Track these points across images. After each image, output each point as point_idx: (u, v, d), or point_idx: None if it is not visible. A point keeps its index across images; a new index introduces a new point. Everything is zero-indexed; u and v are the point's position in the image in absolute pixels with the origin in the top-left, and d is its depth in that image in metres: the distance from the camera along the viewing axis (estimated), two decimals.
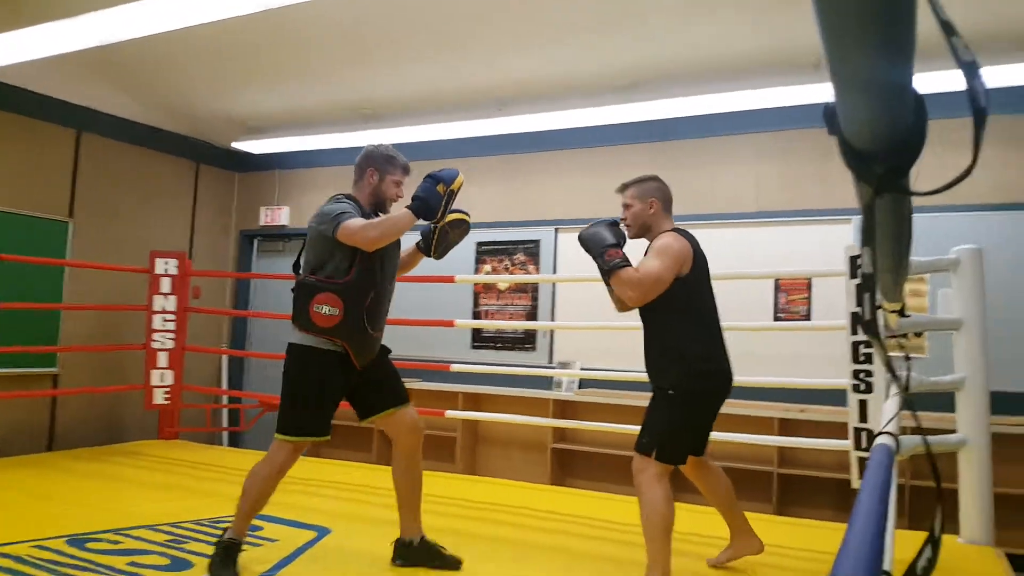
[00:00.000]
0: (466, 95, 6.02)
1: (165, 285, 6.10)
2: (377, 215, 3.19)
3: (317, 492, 4.72)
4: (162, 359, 6.06)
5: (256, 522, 3.87)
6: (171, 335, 6.11)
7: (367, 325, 3.03)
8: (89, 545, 3.39)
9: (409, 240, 3.21)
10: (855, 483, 3.38)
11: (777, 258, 5.33)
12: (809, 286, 5.43)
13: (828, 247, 5.32)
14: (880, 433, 1.68)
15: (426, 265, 6.40)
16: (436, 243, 3.28)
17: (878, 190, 0.59)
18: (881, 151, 0.59)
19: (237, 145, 7.39)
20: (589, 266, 5.54)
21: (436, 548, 3.26)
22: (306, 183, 7.89)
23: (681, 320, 3.00)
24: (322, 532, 3.77)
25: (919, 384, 3.30)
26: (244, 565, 3.14)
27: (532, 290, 6.57)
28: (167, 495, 4.46)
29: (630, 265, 2.93)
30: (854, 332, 3.33)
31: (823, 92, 4.91)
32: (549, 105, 5.84)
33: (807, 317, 5.35)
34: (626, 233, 3.15)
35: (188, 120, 7.19)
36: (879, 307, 2.45)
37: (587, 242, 3.04)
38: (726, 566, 3.33)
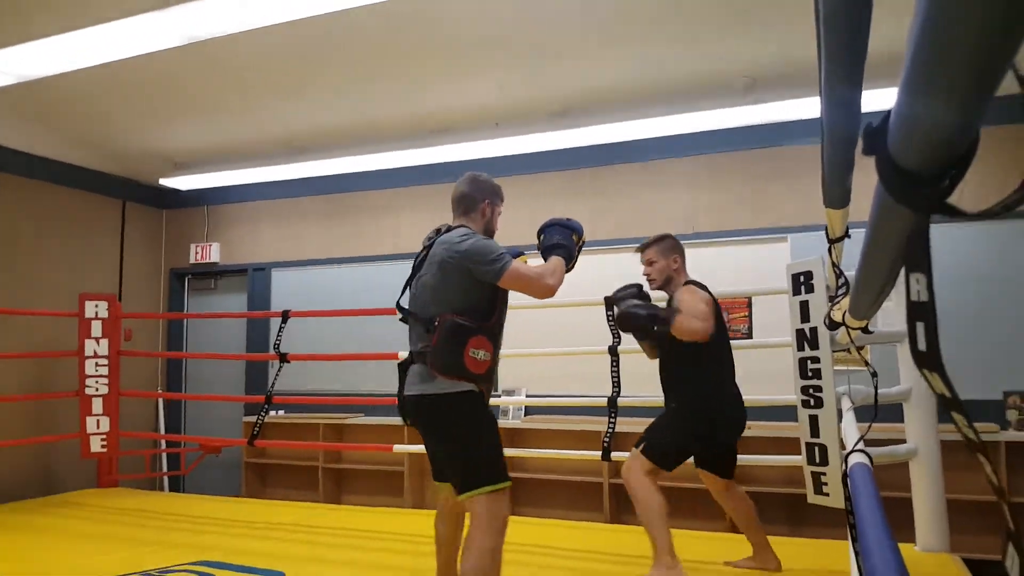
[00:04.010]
0: (395, 125, 6.01)
1: (96, 329, 5.89)
2: None
3: (267, 535, 4.60)
4: (97, 405, 5.84)
5: (207, 570, 3.78)
6: (105, 380, 5.89)
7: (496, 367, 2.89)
8: None
9: None
10: (811, 498, 3.45)
11: (715, 278, 5.44)
12: (749, 304, 5.57)
13: (763, 265, 5.48)
14: (853, 451, 1.72)
15: (371, 299, 6.41)
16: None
17: (931, 211, 0.58)
18: (930, 173, 0.58)
19: (165, 181, 7.22)
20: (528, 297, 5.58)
21: None
22: (236, 217, 7.76)
23: (708, 363, 3.39)
24: None
25: (866, 396, 3.40)
26: None
27: None
28: (111, 546, 4.28)
29: (676, 310, 3.25)
30: (800, 348, 3.41)
31: (752, 114, 5.08)
32: (478, 134, 5.89)
33: (749, 335, 5.49)
34: (648, 289, 3.57)
35: (113, 157, 7.00)
36: (841, 324, 2.52)
37: (630, 319, 3.29)
38: None
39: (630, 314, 3.29)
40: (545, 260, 2.94)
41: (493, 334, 2.77)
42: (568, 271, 2.94)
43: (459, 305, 2.72)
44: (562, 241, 2.94)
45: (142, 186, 7.71)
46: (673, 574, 3.10)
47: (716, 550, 4.03)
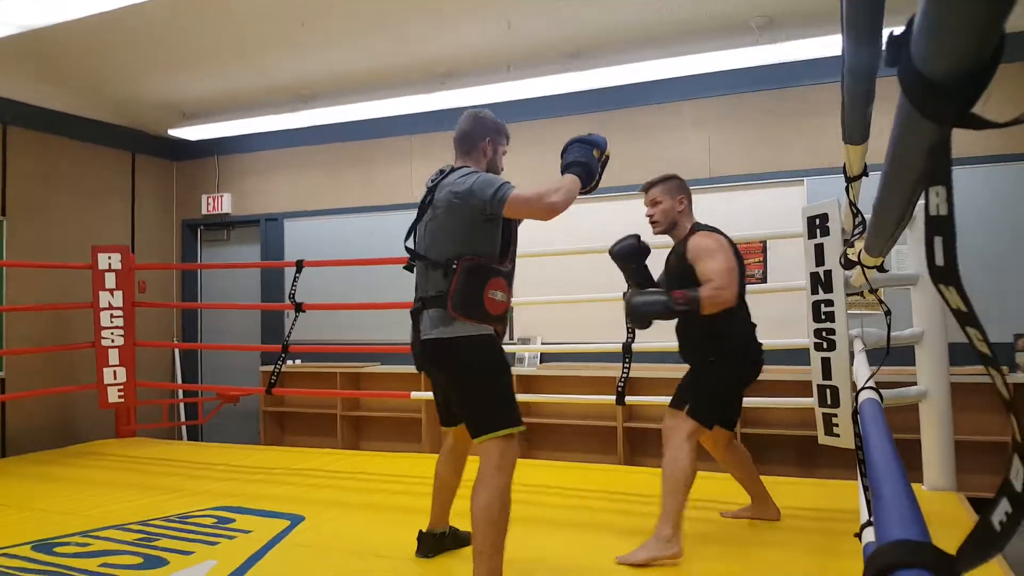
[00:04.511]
0: (405, 70, 5.94)
1: (110, 280, 5.92)
2: None
3: (284, 480, 4.68)
4: (113, 356, 5.90)
5: (227, 515, 3.85)
6: (120, 331, 5.94)
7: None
8: (57, 549, 3.31)
9: None
10: (822, 439, 3.47)
11: (730, 224, 5.41)
12: (764, 249, 5.53)
13: (778, 210, 5.43)
14: (864, 388, 1.72)
15: (385, 248, 6.40)
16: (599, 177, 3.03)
17: (954, 123, 0.57)
18: (954, 83, 0.56)
19: (174, 132, 7.18)
20: (545, 242, 5.57)
21: (458, 532, 3.23)
22: (246, 168, 7.73)
23: (739, 309, 3.16)
24: (296, 520, 3.73)
25: (879, 339, 3.39)
26: (218, 559, 3.10)
27: None
28: (131, 494, 4.37)
29: (694, 290, 2.99)
30: (814, 292, 3.39)
31: (768, 54, 4.99)
32: (489, 78, 5.80)
33: (763, 280, 5.46)
34: (653, 233, 3.33)
35: (121, 109, 6.96)
36: (857, 262, 2.50)
37: (645, 315, 3.06)
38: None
39: (643, 311, 3.04)
40: None
41: (510, 276, 2.75)
42: (591, 190, 2.79)
43: (474, 247, 2.66)
44: (579, 158, 2.75)
45: (151, 137, 7.68)
46: (670, 549, 2.89)
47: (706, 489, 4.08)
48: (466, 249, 2.66)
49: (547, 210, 2.60)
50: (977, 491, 3.80)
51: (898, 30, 0.64)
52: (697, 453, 3.03)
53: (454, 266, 2.64)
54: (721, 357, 3.16)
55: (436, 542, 3.18)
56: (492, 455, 2.63)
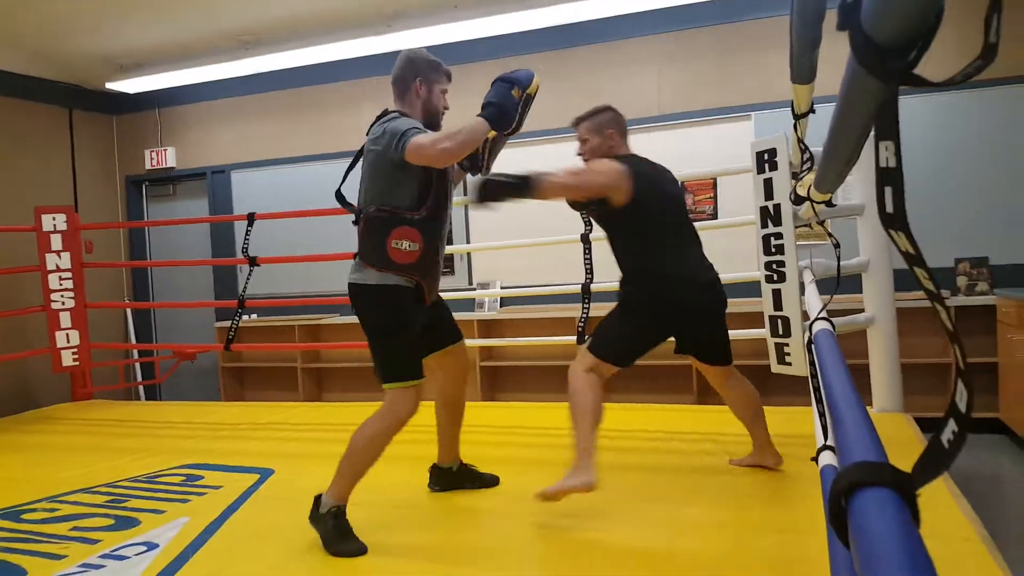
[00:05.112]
0: (352, 13, 5.80)
1: (56, 242, 5.79)
2: None
3: (250, 435, 4.69)
4: (65, 319, 5.80)
5: (195, 472, 3.86)
6: (71, 294, 5.83)
7: (440, 258, 2.82)
8: (25, 516, 3.30)
9: None
10: (775, 368, 3.58)
11: (681, 162, 5.47)
12: (714, 185, 5.61)
13: (727, 147, 5.49)
14: (817, 319, 1.79)
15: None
16: (488, 156, 2.93)
17: (900, 82, 0.63)
18: (899, 46, 0.62)
19: (111, 85, 6.97)
20: None
21: (473, 470, 3.31)
22: (190, 120, 7.55)
23: (633, 246, 3.00)
24: (265, 473, 3.77)
25: (827, 269, 3.49)
26: (190, 516, 3.13)
27: None
28: (94, 457, 4.34)
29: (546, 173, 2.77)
30: (764, 225, 3.46)
31: None
32: (436, 18, 5.71)
33: (714, 216, 5.55)
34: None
35: (55, 63, 6.71)
36: (806, 198, 2.56)
37: (492, 188, 2.71)
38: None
39: (490, 181, 2.72)
40: None
41: (426, 225, 2.69)
42: (513, 131, 2.69)
43: (388, 195, 2.67)
44: (491, 99, 2.63)
45: (88, 92, 7.43)
46: (580, 478, 2.73)
47: (684, 421, 4.21)
48: (380, 198, 2.68)
49: (439, 156, 2.54)
50: (923, 412, 3.95)
51: None
52: (598, 386, 2.90)
53: (363, 215, 2.71)
54: (636, 293, 3.00)
55: (444, 476, 3.28)
56: (385, 401, 2.73)
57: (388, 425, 2.69)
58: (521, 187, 2.69)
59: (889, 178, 0.65)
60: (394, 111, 2.80)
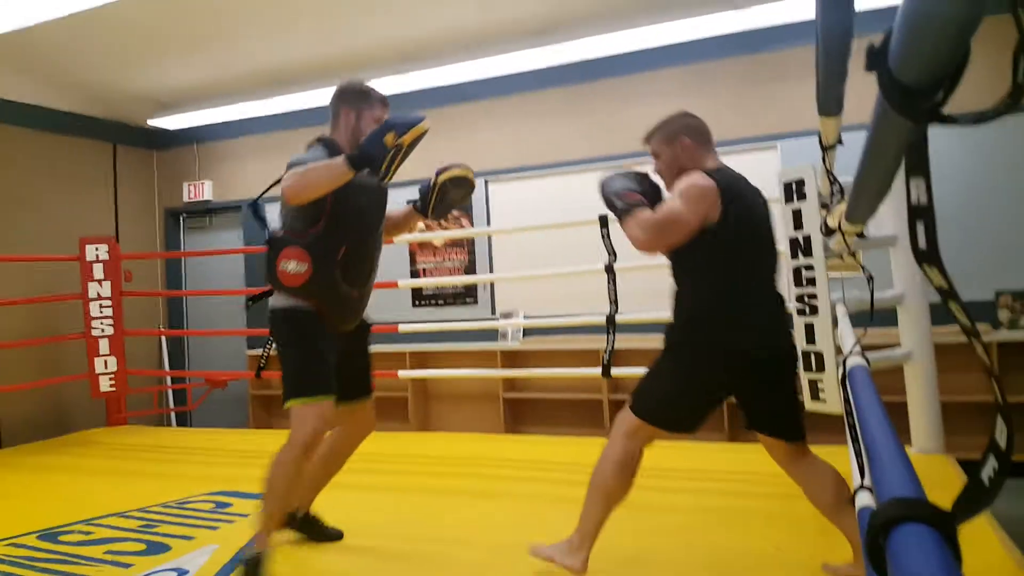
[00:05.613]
0: (376, 54, 5.96)
1: (98, 271, 5.93)
2: None
3: None
4: (104, 346, 5.92)
5: (224, 499, 3.90)
6: (110, 321, 5.96)
7: (341, 282, 2.73)
8: (62, 538, 3.36)
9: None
10: (808, 405, 3.53)
11: None
12: None
13: (752, 175, 5.47)
14: (851, 354, 1.78)
15: None
16: (434, 202, 2.95)
17: (928, 122, 0.64)
18: (926, 87, 0.62)
19: (153, 122, 7.17)
20: (522, 217, 5.61)
21: (319, 522, 3.22)
22: (227, 155, 7.72)
23: (703, 279, 2.49)
24: None
25: (860, 303, 3.46)
26: (219, 543, 3.16)
27: (468, 244, 6.60)
28: (128, 481, 4.41)
29: (648, 207, 2.40)
30: (794, 256, 3.43)
31: (736, 21, 5.05)
32: (464, 55, 5.83)
33: None
34: (661, 185, 2.63)
35: (100, 101, 6.94)
36: (836, 230, 2.56)
37: (603, 187, 2.51)
38: None
39: (602, 182, 2.52)
40: None
41: (317, 246, 2.68)
42: (384, 177, 2.53)
43: (287, 218, 2.77)
44: (363, 142, 2.53)
45: (131, 128, 7.64)
46: (570, 559, 2.48)
47: (717, 460, 4.17)
48: (283, 220, 2.80)
49: (286, 194, 2.56)
50: (967, 452, 3.76)
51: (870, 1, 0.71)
52: (633, 460, 2.48)
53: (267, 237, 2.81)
54: (684, 342, 2.49)
55: (294, 521, 3.17)
56: (292, 427, 2.68)
57: (299, 447, 2.63)
58: (616, 204, 2.44)
59: (921, 214, 0.66)
60: (320, 137, 2.86)
